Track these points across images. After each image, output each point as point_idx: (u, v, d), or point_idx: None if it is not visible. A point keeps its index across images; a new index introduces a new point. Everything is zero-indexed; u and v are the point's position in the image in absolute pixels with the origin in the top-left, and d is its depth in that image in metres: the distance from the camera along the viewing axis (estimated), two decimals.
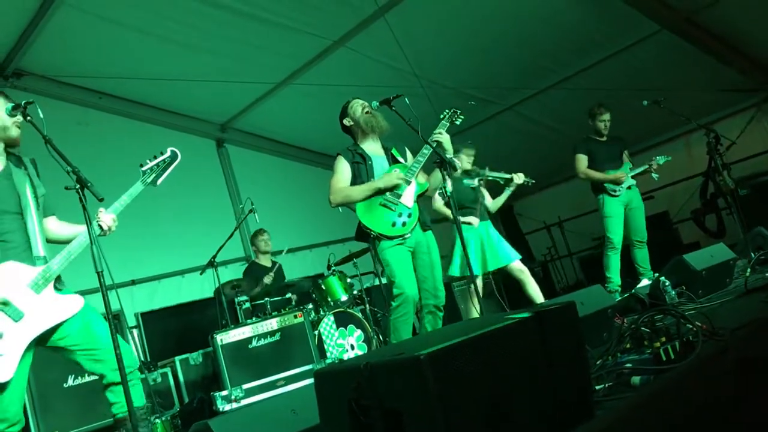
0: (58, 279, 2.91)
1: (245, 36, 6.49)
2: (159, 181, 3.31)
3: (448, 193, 3.83)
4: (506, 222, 9.82)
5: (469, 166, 5.52)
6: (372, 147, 4.14)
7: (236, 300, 6.26)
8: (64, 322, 2.85)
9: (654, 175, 5.98)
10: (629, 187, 5.89)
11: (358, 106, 4.13)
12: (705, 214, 7.62)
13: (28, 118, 2.83)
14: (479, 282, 5.33)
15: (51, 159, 2.81)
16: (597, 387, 2.42)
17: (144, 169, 3.27)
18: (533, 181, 5.68)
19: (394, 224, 3.87)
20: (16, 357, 2.69)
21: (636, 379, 2.40)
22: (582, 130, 6.19)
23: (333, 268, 6.53)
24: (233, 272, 7.45)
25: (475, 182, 5.49)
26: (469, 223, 5.36)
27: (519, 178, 5.53)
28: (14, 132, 2.97)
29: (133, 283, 7.17)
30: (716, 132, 5.72)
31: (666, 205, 8.23)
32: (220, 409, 4.96)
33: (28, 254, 2.86)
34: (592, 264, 6.10)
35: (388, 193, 3.92)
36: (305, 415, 2.29)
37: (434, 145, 3.93)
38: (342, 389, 1.86)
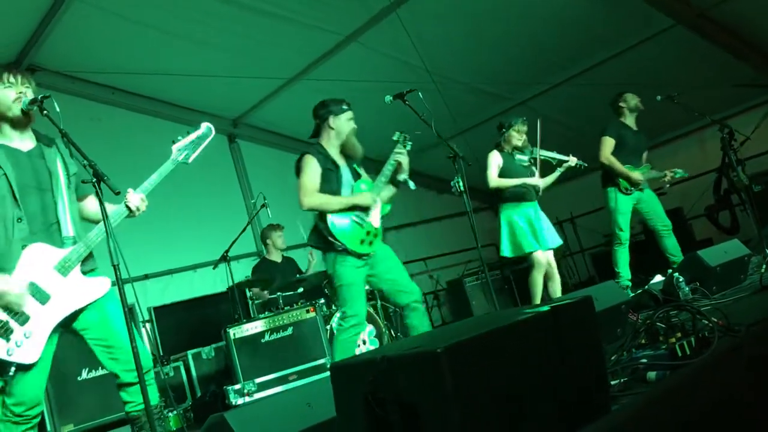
0: (85, 261, 2.86)
1: (256, 32, 6.50)
2: (191, 159, 3.13)
3: (461, 188, 3.88)
4: None
5: (519, 144, 5.41)
6: (338, 156, 4.09)
7: (248, 294, 6.27)
8: (89, 305, 2.83)
9: (667, 186, 5.91)
10: (641, 189, 5.77)
11: (348, 123, 4.05)
12: (719, 211, 7.55)
13: (45, 112, 2.79)
14: (544, 255, 5.27)
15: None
16: (612, 382, 2.42)
17: (177, 146, 3.11)
18: (586, 165, 5.50)
19: (362, 242, 3.88)
20: (42, 339, 2.69)
21: (652, 375, 2.39)
22: (595, 126, 6.03)
23: None
24: (245, 267, 7.46)
25: (527, 160, 5.39)
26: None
27: (572, 161, 5.40)
28: (18, 109, 2.81)
29: (146, 277, 7.22)
30: (730, 127, 5.60)
31: (679, 201, 8.17)
32: (233, 403, 4.99)
33: (58, 235, 2.83)
34: (604, 260, 6.08)
35: (358, 210, 3.93)
36: (320, 408, 2.29)
37: (394, 165, 3.99)
38: (358, 382, 1.86)
